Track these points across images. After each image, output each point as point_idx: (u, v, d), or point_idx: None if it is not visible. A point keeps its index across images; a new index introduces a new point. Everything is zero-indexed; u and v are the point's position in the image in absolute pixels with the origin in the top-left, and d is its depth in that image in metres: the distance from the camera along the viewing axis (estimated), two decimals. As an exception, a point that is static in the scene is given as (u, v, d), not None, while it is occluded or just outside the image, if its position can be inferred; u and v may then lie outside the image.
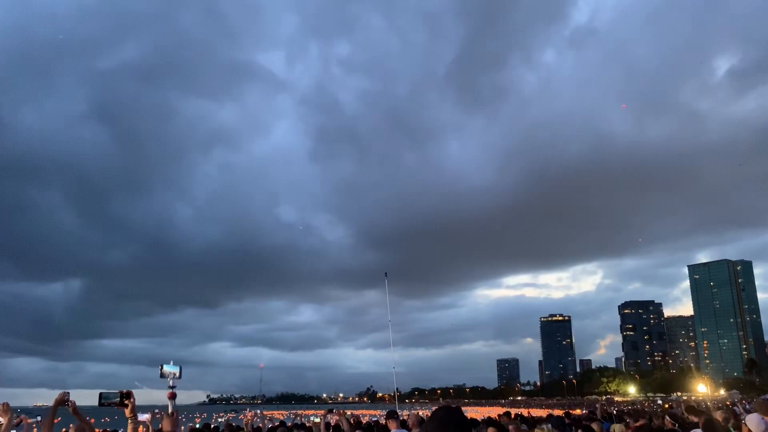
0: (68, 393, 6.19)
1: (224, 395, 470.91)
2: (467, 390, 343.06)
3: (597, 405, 26.05)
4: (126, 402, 5.82)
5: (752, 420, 6.31)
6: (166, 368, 7.77)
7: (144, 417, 6.82)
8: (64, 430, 14.96)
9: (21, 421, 9.01)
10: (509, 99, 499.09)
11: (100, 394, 6.08)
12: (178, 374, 8.17)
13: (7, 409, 5.83)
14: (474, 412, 63.86)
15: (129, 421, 3.81)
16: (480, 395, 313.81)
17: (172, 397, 7.98)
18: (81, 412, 6.51)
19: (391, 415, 9.66)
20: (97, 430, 13.00)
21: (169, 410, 7.94)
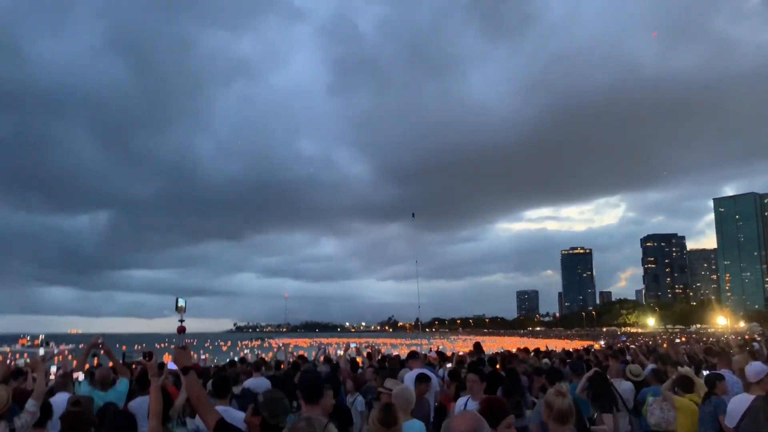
0: (101, 337, 6.82)
1: (250, 323, 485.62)
2: (486, 320, 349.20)
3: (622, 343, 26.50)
4: (146, 360, 6.33)
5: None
6: (180, 302, 8.17)
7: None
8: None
9: (61, 352, 9.75)
10: (534, 27, 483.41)
11: (123, 353, 6.61)
12: (184, 306, 8.53)
13: (40, 363, 6.26)
14: (492, 342, 65.43)
15: (151, 380, 4.19)
16: (499, 326, 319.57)
17: (182, 331, 8.44)
18: (111, 342, 7.14)
19: (413, 355, 10.15)
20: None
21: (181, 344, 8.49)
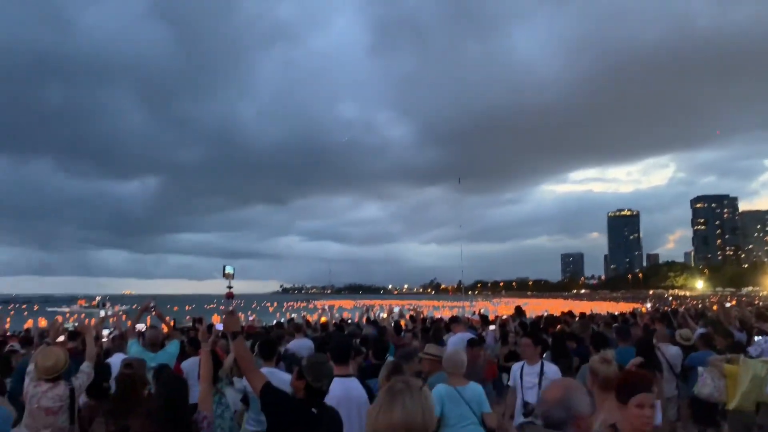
0: (153, 300, 7.06)
1: (296, 285, 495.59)
2: (530, 283, 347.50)
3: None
4: (197, 326, 6.53)
5: None
6: (228, 269, 8.27)
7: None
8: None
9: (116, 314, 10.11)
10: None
11: (174, 320, 6.80)
12: (232, 273, 8.64)
13: (88, 327, 6.48)
14: (536, 305, 65.17)
15: (202, 345, 4.31)
16: (543, 288, 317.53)
17: (231, 296, 8.58)
18: (162, 303, 7.38)
19: (455, 319, 10.18)
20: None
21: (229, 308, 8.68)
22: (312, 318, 19.83)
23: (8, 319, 27.12)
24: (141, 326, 7.14)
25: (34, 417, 4.51)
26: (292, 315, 27.28)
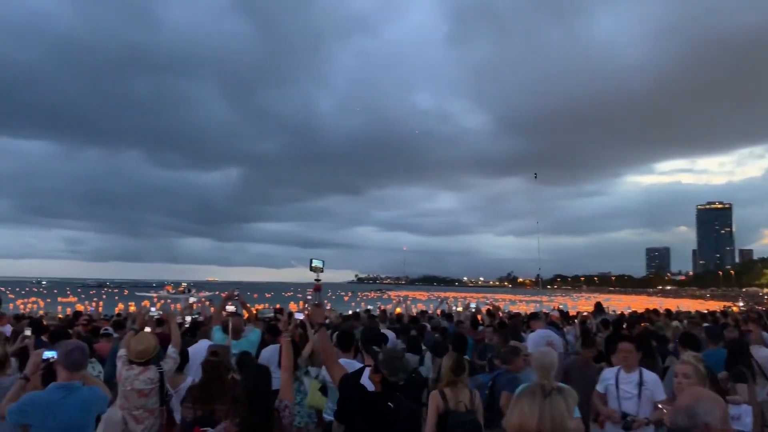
0: (237, 289, 7.29)
1: (371, 275, 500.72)
2: (612, 278, 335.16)
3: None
4: (279, 316, 6.67)
5: None
6: (316, 263, 8.41)
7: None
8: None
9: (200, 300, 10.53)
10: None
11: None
12: (321, 267, 8.77)
13: (171, 314, 6.73)
14: (618, 301, 62.94)
15: (284, 335, 4.42)
16: (626, 284, 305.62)
17: (319, 289, 8.73)
18: (242, 291, 7.63)
19: (535, 315, 9.95)
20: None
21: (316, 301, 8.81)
22: (386, 308, 19.87)
23: (101, 303, 28.90)
24: (231, 308, 7.36)
25: (128, 398, 4.77)
26: (367, 306, 27.56)
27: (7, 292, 59.19)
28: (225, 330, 7.27)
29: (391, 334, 9.22)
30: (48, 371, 4.10)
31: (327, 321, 10.05)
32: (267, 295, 68.90)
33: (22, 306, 33.68)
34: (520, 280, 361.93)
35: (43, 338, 7.23)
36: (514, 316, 14.32)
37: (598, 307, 14.10)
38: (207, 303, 13.77)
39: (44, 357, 4.11)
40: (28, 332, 6.27)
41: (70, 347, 4.02)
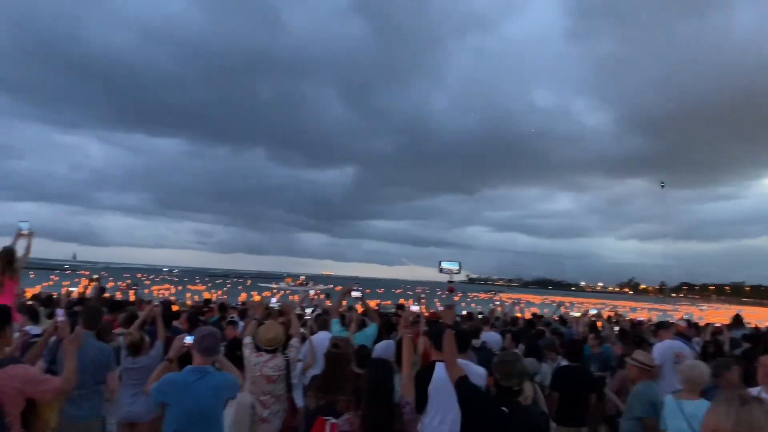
0: (357, 284, 7.43)
1: (482, 276, 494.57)
2: (746, 288, 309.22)
3: None
4: (399, 312, 6.72)
5: None
6: (445, 264, 8.38)
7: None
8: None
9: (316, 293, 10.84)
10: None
11: (378, 305, 7.02)
12: (457, 269, 8.74)
13: (290, 306, 6.94)
14: (752, 313, 57.76)
15: (404, 331, 4.44)
16: (762, 295, 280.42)
17: (452, 290, 8.71)
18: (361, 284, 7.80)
19: (663, 325, 9.34)
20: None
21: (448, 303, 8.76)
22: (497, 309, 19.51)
23: (226, 291, 30.67)
24: (357, 293, 7.57)
25: (257, 384, 5.03)
26: (478, 306, 27.21)
27: (144, 278, 64.38)
28: (343, 322, 7.45)
29: (495, 336, 9.05)
30: (185, 355, 4.38)
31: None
32: (379, 291, 69.98)
33: (156, 292, 36.34)
34: (642, 286, 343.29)
35: (175, 323, 7.76)
36: (638, 325, 13.50)
37: (737, 319, 12.52)
38: (322, 296, 14.20)
39: (185, 341, 4.40)
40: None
41: (203, 333, 4.26)
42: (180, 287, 54.23)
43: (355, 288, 7.53)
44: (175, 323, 7.73)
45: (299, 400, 5.59)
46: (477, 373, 4.68)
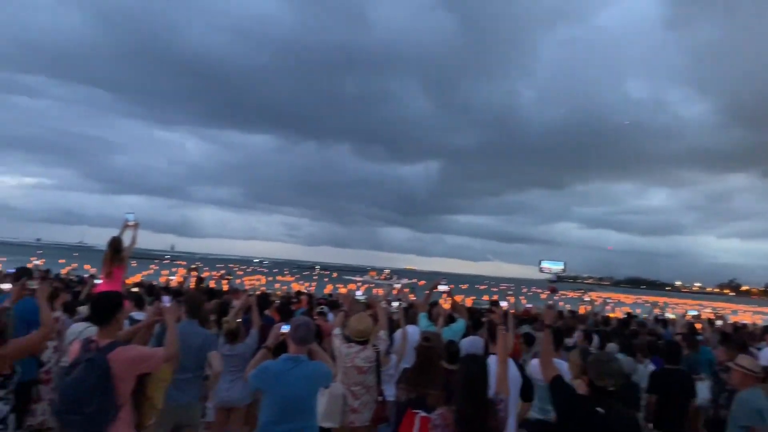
0: (444, 279, 7.41)
1: (571, 273, 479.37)
2: None
3: None
4: (493, 309, 6.64)
5: None
6: (546, 264, 8.21)
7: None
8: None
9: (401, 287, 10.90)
10: None
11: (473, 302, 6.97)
12: (562, 269, 8.51)
13: (376, 301, 6.95)
14: None
15: (498, 328, 4.38)
16: None
17: (554, 291, 8.58)
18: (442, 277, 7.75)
19: None
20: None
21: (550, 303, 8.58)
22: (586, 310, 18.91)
23: (313, 284, 31.42)
24: (444, 287, 7.53)
25: (348, 374, 5.12)
26: (566, 305, 26.46)
27: (236, 269, 67.00)
28: (430, 317, 7.46)
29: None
30: (281, 343, 4.52)
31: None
32: (462, 287, 69.45)
33: (247, 282, 37.68)
34: (745, 288, 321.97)
35: (267, 312, 8.03)
36: (741, 328, 12.69)
37: None
38: (405, 290, 14.27)
39: (281, 330, 4.54)
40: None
41: (297, 323, 4.38)
42: (270, 278, 56.01)
43: (443, 282, 7.53)
44: (266, 313, 8.01)
45: (389, 392, 5.66)
46: (567, 372, 4.59)
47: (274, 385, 4.16)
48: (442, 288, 7.49)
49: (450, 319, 7.54)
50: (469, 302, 21.28)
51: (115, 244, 7.21)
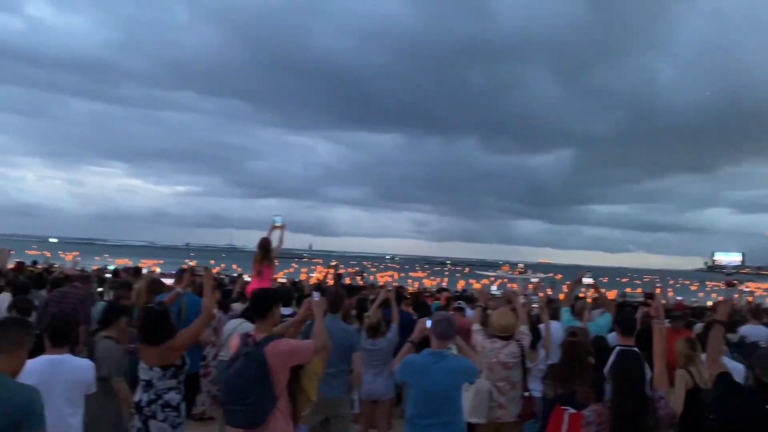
0: (588, 272, 7.06)
1: (724, 263, 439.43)
2: None
3: None
4: (648, 302, 6.23)
5: None
6: (720, 255, 7.64)
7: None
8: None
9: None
10: None
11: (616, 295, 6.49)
12: (740, 260, 7.88)
13: (513, 294, 6.74)
14: None
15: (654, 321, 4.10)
16: None
17: (732, 285, 7.99)
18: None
19: None
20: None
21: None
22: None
23: (445, 280, 31.47)
24: (589, 280, 7.18)
25: (493, 370, 5.07)
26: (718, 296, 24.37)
27: (369, 266, 68.87)
28: (573, 311, 7.17)
29: (760, 330, 7.97)
30: (423, 338, 4.56)
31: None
32: (603, 280, 66.27)
33: (380, 278, 38.46)
34: None
35: (402, 308, 8.13)
36: None
37: None
38: (542, 284, 13.86)
39: (426, 325, 4.58)
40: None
41: (439, 318, 4.40)
42: (402, 274, 56.90)
43: (587, 275, 7.18)
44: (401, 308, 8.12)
45: (535, 388, 5.53)
46: (734, 369, 4.26)
47: (418, 379, 4.21)
48: (586, 281, 7.11)
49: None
50: (610, 296, 20.26)
51: (265, 244, 7.68)
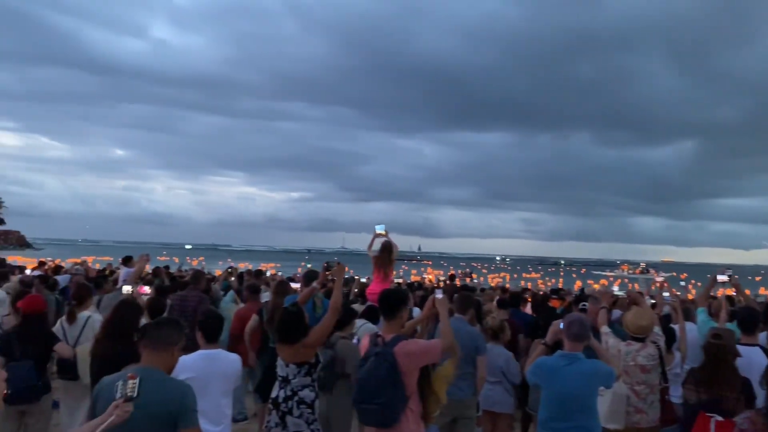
0: (729, 269, 6.56)
1: None
2: None
3: None
4: None
5: None
6: None
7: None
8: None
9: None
10: None
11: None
12: None
13: (638, 295, 6.36)
14: None
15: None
16: None
17: None
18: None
19: None
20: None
21: None
22: None
23: (560, 281, 30.39)
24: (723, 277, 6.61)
25: (630, 373, 4.87)
26: None
27: (479, 267, 67.81)
28: (710, 311, 6.74)
29: None
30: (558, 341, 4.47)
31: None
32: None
33: (491, 280, 37.78)
34: None
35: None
36: None
37: None
38: (666, 284, 13.07)
39: (560, 327, 4.48)
40: None
41: (571, 320, 4.30)
42: (514, 275, 55.60)
43: (726, 273, 6.66)
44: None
45: (674, 393, 5.25)
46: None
47: (549, 381, 4.15)
48: (721, 278, 6.55)
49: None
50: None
51: (389, 248, 8.03)
